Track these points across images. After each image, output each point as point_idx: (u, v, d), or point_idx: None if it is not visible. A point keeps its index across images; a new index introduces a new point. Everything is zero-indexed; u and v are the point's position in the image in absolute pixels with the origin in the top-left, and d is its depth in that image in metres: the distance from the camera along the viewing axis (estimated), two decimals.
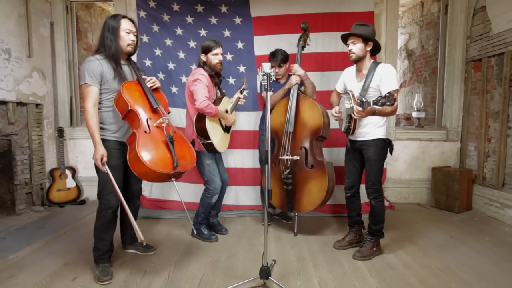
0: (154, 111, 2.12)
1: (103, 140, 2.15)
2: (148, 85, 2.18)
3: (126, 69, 2.22)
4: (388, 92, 2.04)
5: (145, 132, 2.01)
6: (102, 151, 2.05)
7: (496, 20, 3.34)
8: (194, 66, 3.50)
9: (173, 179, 2.01)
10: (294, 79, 2.85)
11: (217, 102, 2.73)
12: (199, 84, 2.57)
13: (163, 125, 2.06)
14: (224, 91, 3.00)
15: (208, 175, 2.78)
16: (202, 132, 2.63)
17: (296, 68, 2.86)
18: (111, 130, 2.17)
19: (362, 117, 2.26)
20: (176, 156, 1.99)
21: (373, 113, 2.24)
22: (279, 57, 2.97)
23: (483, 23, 3.56)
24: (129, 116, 2.07)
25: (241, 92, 2.99)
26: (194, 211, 2.94)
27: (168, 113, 2.29)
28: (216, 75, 2.75)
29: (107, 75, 2.10)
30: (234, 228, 3.10)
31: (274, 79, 2.18)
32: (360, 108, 2.17)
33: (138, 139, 1.94)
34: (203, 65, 2.71)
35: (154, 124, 2.06)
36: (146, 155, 1.91)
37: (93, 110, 2.05)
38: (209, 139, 2.62)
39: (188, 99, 2.73)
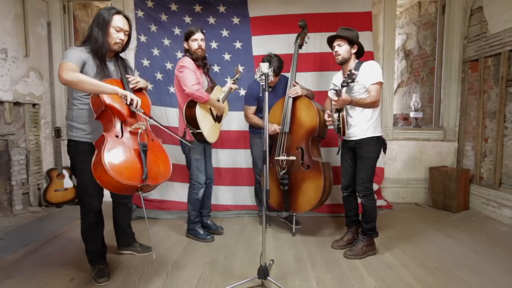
0: (132, 115, 1.94)
1: (75, 142, 1.98)
2: (130, 85, 2.03)
3: (111, 66, 2.06)
4: (349, 70, 2.20)
5: (116, 136, 1.83)
6: (132, 95, 1.84)
7: (493, 21, 3.36)
8: None
9: (140, 192, 1.80)
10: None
11: (208, 91, 2.69)
12: (186, 70, 2.55)
13: (139, 131, 1.88)
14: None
15: (193, 169, 2.77)
16: (192, 121, 2.59)
17: (297, 90, 2.78)
18: (85, 130, 2.00)
19: (340, 105, 2.33)
20: (147, 168, 1.80)
21: (350, 102, 2.31)
22: (276, 66, 2.81)
23: (480, 23, 3.57)
24: (102, 116, 1.90)
25: (234, 82, 2.92)
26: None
27: (150, 117, 2.00)
28: (201, 62, 2.70)
29: (89, 70, 1.94)
30: (232, 228, 3.10)
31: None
32: (335, 98, 2.27)
33: (106, 143, 1.74)
34: (185, 52, 2.72)
35: (129, 129, 1.89)
36: (111, 162, 1.70)
37: (72, 73, 1.77)
38: (199, 129, 2.59)
39: (177, 89, 2.70)
